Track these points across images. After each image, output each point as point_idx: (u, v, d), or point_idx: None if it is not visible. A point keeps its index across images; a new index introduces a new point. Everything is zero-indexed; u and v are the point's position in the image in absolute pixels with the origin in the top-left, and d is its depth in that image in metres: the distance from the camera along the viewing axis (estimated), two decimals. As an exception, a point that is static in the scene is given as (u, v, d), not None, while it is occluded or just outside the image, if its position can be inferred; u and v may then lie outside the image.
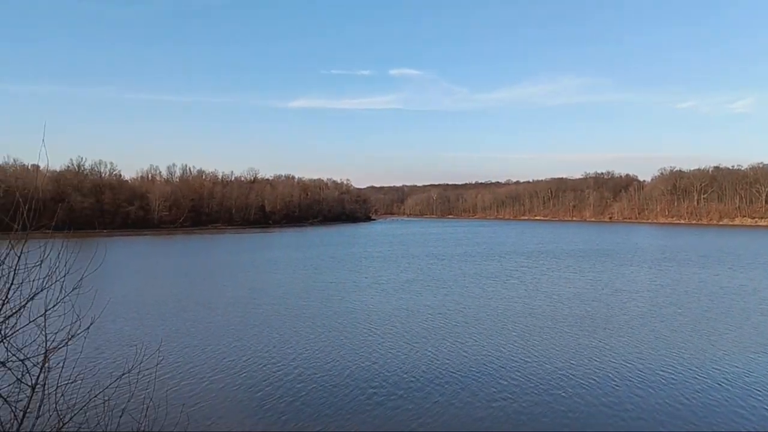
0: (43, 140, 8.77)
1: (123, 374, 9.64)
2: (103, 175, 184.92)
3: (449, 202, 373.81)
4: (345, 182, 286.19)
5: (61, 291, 8.25)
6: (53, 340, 8.02)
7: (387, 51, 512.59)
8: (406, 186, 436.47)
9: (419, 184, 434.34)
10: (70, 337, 8.36)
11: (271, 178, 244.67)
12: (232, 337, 32.25)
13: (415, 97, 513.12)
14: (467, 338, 31.92)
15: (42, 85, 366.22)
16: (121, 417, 9.10)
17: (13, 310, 7.71)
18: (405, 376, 25.13)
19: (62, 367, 8.28)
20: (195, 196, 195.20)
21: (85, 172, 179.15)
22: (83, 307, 8.94)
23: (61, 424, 7.94)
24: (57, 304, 8.23)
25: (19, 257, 7.85)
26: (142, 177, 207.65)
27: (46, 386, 7.79)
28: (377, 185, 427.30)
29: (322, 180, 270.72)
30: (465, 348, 29.87)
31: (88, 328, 8.80)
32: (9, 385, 7.72)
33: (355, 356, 28.29)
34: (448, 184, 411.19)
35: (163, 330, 33.42)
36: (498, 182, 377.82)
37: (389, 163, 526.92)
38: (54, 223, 9.66)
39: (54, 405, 7.82)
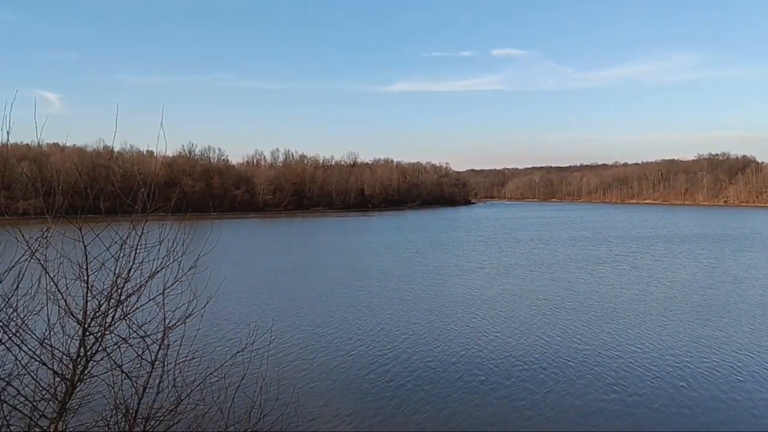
0: (161, 123, 8.94)
1: (237, 353, 9.77)
2: (211, 160, 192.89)
3: (552, 185, 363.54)
4: (444, 165, 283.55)
5: (178, 270, 8.42)
6: (171, 318, 8.21)
7: (489, 31, 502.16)
8: (507, 169, 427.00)
9: (521, 166, 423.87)
10: (187, 315, 8.53)
11: (370, 162, 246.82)
12: (339, 318, 32.71)
13: (518, 77, 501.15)
14: (577, 325, 30.84)
15: (158, 76, 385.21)
16: (235, 395, 9.19)
17: (134, 289, 7.91)
18: (513, 362, 24.56)
19: (180, 344, 8.44)
20: (297, 181, 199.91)
21: (195, 158, 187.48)
22: (199, 286, 9.07)
23: (179, 400, 8.10)
24: (175, 283, 8.39)
25: (140, 237, 8.05)
26: (247, 162, 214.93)
27: (165, 363, 7.99)
28: (477, 168, 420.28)
29: (421, 163, 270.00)
30: (575, 335, 28.86)
31: (204, 306, 8.95)
32: (130, 361, 7.94)
33: (461, 341, 27.94)
34: (551, 167, 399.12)
35: (273, 310, 34.34)
36: (604, 164, 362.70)
37: (490, 146, 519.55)
38: (171, 205, 9.89)
39: (172, 381, 8.02)
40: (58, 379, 7.57)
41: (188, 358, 8.69)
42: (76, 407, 7.67)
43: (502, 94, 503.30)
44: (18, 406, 7.38)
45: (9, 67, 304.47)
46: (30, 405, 7.46)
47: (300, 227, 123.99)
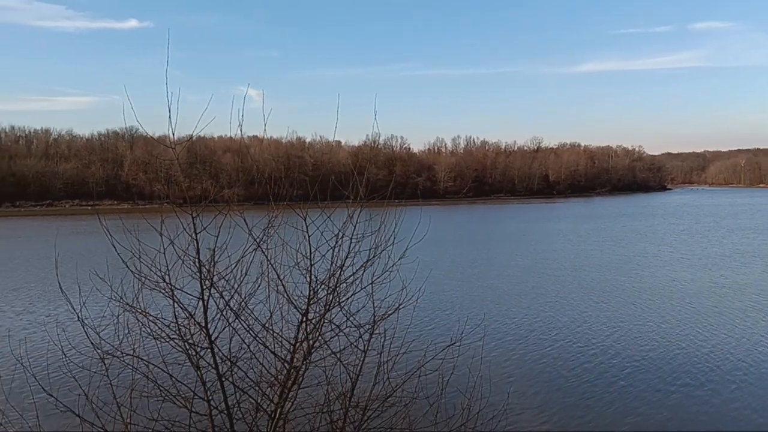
0: (375, 118, 9.04)
1: (449, 345, 9.46)
2: (394, 148, 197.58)
3: (761, 169, 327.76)
4: (637, 149, 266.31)
5: (388, 260, 8.27)
6: (380, 308, 8.17)
7: (689, 3, 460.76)
8: (708, 152, 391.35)
9: (723, 149, 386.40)
10: (398, 305, 8.42)
11: (555, 147, 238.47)
12: (540, 309, 31.62)
13: (720, 52, 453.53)
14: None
15: (345, 69, 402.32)
16: (445, 389, 8.94)
17: (348, 278, 7.96)
18: (730, 364, 22.43)
19: (394, 334, 8.36)
20: (478, 167, 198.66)
21: (379, 146, 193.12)
22: (406, 275, 8.83)
23: (391, 390, 8.07)
24: (384, 272, 8.25)
25: (355, 227, 8.03)
26: (429, 149, 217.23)
27: (382, 353, 8.06)
28: (674, 151, 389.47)
29: (611, 147, 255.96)
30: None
31: (416, 298, 8.77)
32: (344, 348, 8.04)
33: (669, 337, 26.08)
34: (758, 149, 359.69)
35: (475, 299, 34.11)
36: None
37: (688, 127, 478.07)
38: (387, 193, 9.98)
39: (386, 371, 7.99)
40: (279, 363, 7.79)
41: (400, 349, 8.59)
42: (294, 392, 7.84)
43: (702, 70, 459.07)
44: (245, 389, 7.71)
45: (221, 66, 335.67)
46: (255, 388, 7.76)
47: (483, 214, 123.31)
